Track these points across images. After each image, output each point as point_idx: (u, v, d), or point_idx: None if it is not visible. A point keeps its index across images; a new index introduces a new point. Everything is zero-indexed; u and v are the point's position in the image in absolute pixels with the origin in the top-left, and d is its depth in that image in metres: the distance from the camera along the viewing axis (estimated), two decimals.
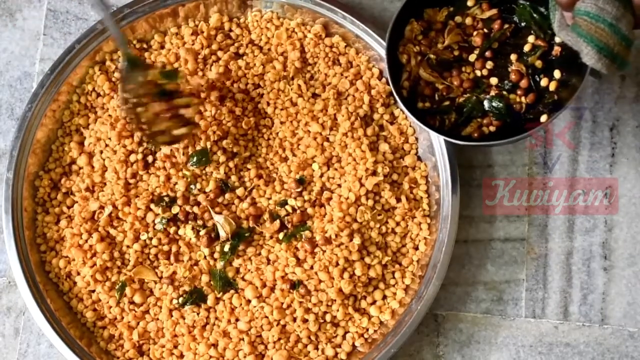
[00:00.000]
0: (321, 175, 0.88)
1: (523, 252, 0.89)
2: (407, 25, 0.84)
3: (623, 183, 0.90)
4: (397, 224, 0.88)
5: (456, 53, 0.85)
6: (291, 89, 0.90)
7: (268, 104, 0.90)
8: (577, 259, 0.89)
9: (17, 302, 0.91)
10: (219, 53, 0.91)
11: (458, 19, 0.84)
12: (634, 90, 0.91)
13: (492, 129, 0.83)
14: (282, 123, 0.89)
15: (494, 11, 0.83)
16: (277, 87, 0.90)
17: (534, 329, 0.88)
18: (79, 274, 0.88)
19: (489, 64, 0.84)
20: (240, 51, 0.92)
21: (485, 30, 0.84)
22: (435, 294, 0.84)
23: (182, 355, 0.86)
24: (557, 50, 0.81)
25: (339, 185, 0.88)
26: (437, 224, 0.86)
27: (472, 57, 0.84)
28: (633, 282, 0.88)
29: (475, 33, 0.84)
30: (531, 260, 0.89)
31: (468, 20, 0.84)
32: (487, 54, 0.83)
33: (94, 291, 0.88)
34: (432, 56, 0.84)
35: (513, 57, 0.83)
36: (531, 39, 0.82)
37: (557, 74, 0.81)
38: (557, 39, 0.80)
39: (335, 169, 0.88)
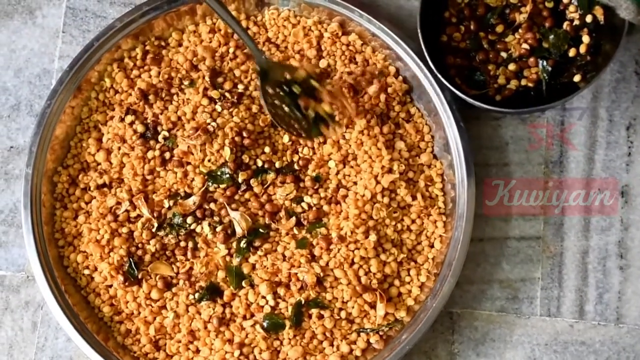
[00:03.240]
0: (337, 173, 0.89)
1: (538, 250, 0.89)
2: None
3: None
4: (413, 221, 0.88)
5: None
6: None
7: None
8: (592, 257, 0.89)
9: (36, 297, 0.92)
10: (237, 51, 0.92)
11: None
12: None
13: (529, 84, 0.84)
14: None
15: None
16: None
17: (549, 327, 0.88)
18: (96, 269, 0.89)
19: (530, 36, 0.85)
20: None
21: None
22: (450, 291, 0.84)
23: (198, 351, 0.87)
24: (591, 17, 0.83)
25: (355, 183, 0.88)
26: (452, 222, 0.87)
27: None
28: None
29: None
30: (547, 258, 0.89)
31: None
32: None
33: (111, 286, 0.88)
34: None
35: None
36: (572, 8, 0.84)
37: (586, 39, 0.82)
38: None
39: (351, 167, 0.89)
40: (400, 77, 0.91)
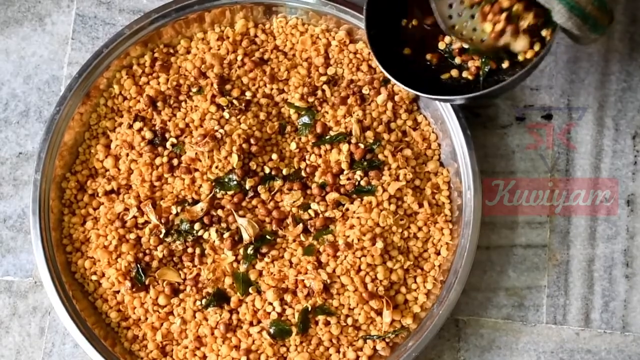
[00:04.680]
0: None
1: (544, 258, 0.89)
2: None
3: None
4: (419, 229, 0.88)
5: None
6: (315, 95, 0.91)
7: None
8: (598, 266, 0.89)
9: (43, 302, 0.92)
10: (245, 58, 0.92)
11: None
12: None
13: (469, 77, 0.83)
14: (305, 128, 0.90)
15: None
16: (301, 92, 0.91)
17: (555, 335, 0.88)
18: (104, 274, 0.89)
19: None
20: (265, 57, 0.93)
21: None
22: (456, 299, 0.85)
23: (204, 357, 0.87)
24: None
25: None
26: (459, 230, 0.87)
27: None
28: None
29: None
30: (553, 266, 0.89)
31: None
32: None
33: (118, 292, 0.89)
34: None
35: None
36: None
37: (537, 46, 0.79)
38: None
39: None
40: None
